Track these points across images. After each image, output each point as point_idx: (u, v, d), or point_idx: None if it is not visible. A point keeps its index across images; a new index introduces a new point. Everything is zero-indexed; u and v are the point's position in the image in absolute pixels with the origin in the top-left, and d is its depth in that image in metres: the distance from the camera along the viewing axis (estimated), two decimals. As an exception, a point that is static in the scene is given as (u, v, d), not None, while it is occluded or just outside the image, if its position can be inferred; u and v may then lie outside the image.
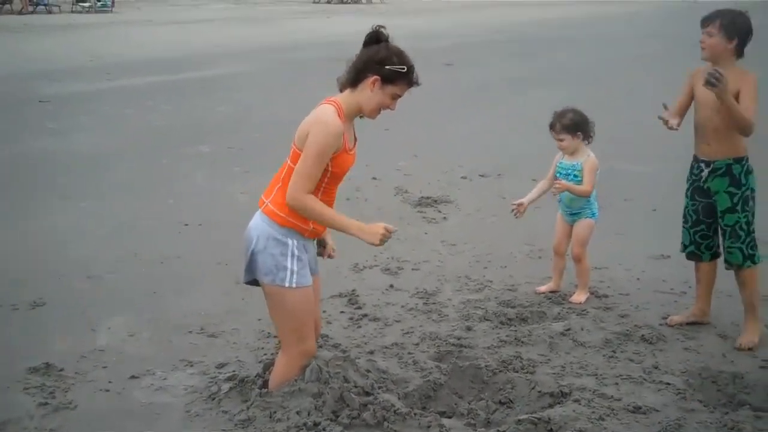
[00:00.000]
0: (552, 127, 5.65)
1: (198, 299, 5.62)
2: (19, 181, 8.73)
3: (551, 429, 3.80)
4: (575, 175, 5.55)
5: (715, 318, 5.24)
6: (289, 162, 3.95)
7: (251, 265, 3.99)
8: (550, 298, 5.64)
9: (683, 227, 5.13)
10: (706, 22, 4.71)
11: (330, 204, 4.01)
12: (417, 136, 11.04)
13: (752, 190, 4.86)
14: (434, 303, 5.61)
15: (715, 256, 5.10)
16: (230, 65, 19.21)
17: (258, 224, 3.97)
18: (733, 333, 5.07)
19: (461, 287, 5.88)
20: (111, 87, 15.52)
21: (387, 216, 6.78)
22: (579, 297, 5.61)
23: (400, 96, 3.94)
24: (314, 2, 53.04)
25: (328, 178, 3.93)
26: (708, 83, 4.46)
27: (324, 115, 3.84)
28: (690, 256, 5.16)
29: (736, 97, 4.59)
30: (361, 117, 4.06)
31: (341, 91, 4.00)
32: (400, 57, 3.87)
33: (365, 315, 5.38)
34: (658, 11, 48.13)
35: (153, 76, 17.00)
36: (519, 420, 3.87)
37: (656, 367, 4.60)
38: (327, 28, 31.04)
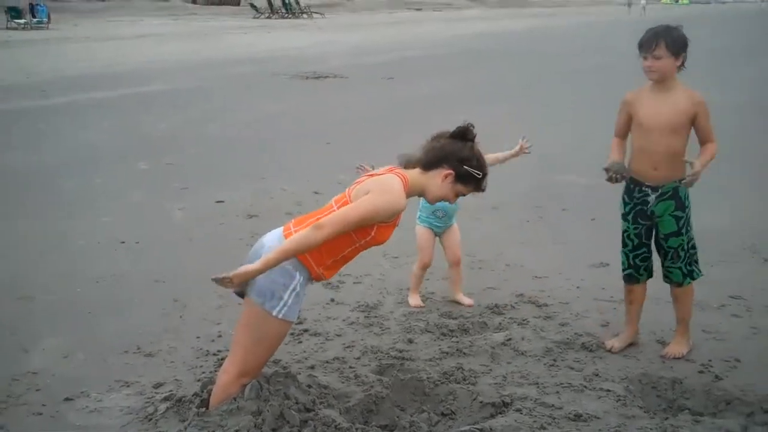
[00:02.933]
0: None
1: (134, 318, 5.50)
2: (-51, 201, 8.50)
3: (493, 439, 3.79)
4: None
5: (654, 324, 5.29)
6: (335, 207, 3.89)
7: (249, 280, 3.87)
8: (491, 309, 5.65)
9: (622, 251, 5.02)
10: (649, 46, 4.60)
11: (345, 262, 4.02)
12: (358, 150, 10.99)
13: (690, 208, 4.83)
14: (376, 316, 5.57)
15: (650, 275, 5.05)
16: (168, 81, 19.01)
17: (274, 244, 3.84)
18: (671, 338, 5.11)
19: (403, 300, 5.86)
20: (47, 104, 15.24)
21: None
22: (470, 299, 5.72)
23: (464, 195, 4.04)
24: (254, 17, 52.95)
25: (365, 241, 3.89)
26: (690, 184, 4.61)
27: (392, 186, 3.81)
28: (628, 278, 5.07)
29: (693, 120, 4.64)
30: (419, 196, 4.09)
31: (405, 166, 4.00)
32: (480, 162, 3.95)
33: (306, 330, 5.33)
34: (605, 23, 49.00)
35: (89, 92, 16.75)
36: (461, 431, 3.85)
37: (597, 375, 4.62)
38: (267, 43, 30.95)
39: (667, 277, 4.93)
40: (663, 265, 4.92)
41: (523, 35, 37.50)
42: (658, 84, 4.70)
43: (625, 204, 4.94)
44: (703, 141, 4.72)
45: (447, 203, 5.44)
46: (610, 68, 19.54)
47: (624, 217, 4.97)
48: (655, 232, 4.90)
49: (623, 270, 5.07)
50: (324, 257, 3.89)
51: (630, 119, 4.86)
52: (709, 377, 4.62)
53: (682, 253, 4.83)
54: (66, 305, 5.73)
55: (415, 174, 3.98)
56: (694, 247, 4.90)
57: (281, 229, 3.96)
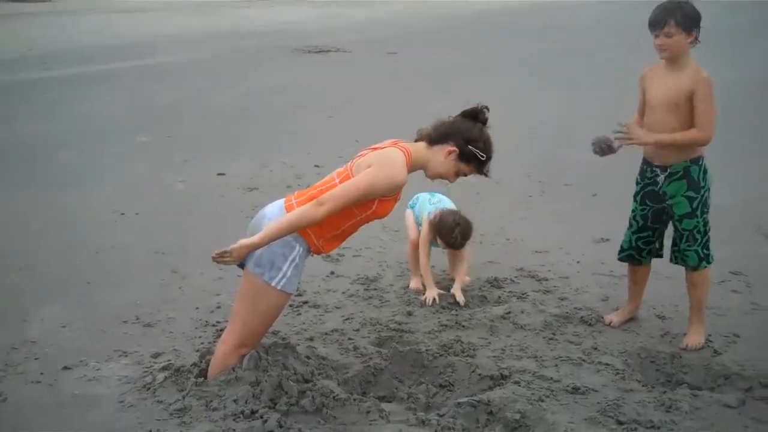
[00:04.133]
0: (454, 245, 5.38)
1: (133, 289, 5.50)
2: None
3: (491, 411, 3.79)
4: None
5: (654, 299, 5.29)
6: (336, 180, 3.88)
7: (253, 254, 3.86)
8: (490, 283, 5.64)
9: (626, 231, 4.95)
10: (659, 23, 4.46)
11: (347, 235, 4.03)
12: (360, 124, 10.97)
13: (709, 189, 4.67)
14: (375, 289, 5.57)
15: (656, 256, 4.98)
16: (171, 54, 18.91)
17: (275, 215, 3.85)
18: (671, 314, 5.13)
19: (402, 272, 5.86)
20: (50, 76, 15.16)
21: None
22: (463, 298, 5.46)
23: (465, 176, 4.00)
24: (258, -9, 52.60)
25: (366, 215, 3.88)
26: (603, 143, 4.60)
27: (394, 161, 3.79)
28: (626, 259, 5.00)
29: (690, 98, 4.45)
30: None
31: (417, 140, 3.99)
32: (486, 145, 3.93)
33: (305, 302, 5.33)
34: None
35: (92, 65, 16.66)
36: (459, 403, 3.85)
37: (595, 348, 4.62)
38: (270, 17, 30.77)
39: (682, 261, 4.76)
40: (678, 248, 4.75)
41: (529, 10, 37.26)
42: (670, 61, 4.57)
43: (636, 183, 4.86)
44: (696, 123, 4.47)
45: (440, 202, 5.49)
46: (616, 44, 19.41)
47: (634, 197, 4.88)
48: (671, 215, 4.75)
49: (621, 251, 5.00)
50: (324, 230, 3.88)
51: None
52: (708, 352, 4.62)
53: (698, 236, 4.67)
54: (65, 276, 5.73)
55: (419, 147, 3.95)
56: (709, 230, 4.73)
57: (282, 201, 3.94)
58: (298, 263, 3.89)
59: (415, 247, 5.61)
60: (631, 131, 4.53)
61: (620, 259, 5.05)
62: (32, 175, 8.42)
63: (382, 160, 3.80)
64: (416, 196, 5.85)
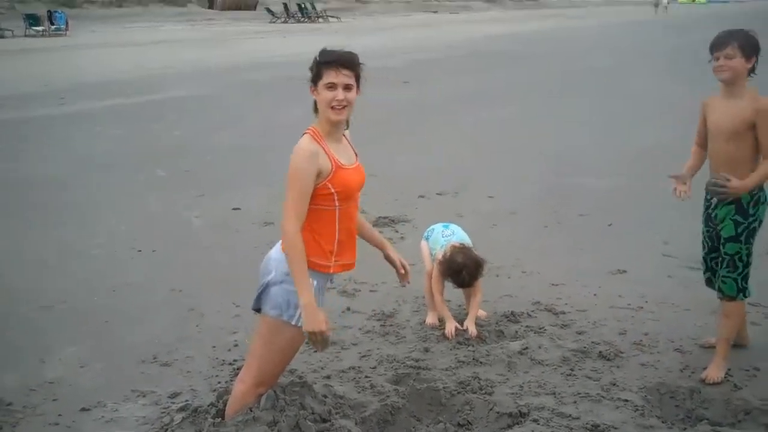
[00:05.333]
0: (462, 285, 5.39)
1: (151, 327, 5.51)
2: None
3: (510, 451, 3.76)
4: None
5: (673, 332, 5.25)
6: None
7: (263, 296, 3.85)
8: (507, 317, 5.61)
9: (701, 251, 4.95)
10: (721, 45, 4.53)
11: (350, 230, 3.92)
12: (373, 156, 10.98)
13: (760, 222, 4.65)
14: (392, 325, 5.56)
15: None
16: (185, 87, 19.07)
17: (279, 258, 3.80)
18: (690, 347, 5.08)
19: (419, 308, 5.84)
20: (64, 112, 15.32)
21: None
22: (483, 311, 5.64)
23: (333, 84, 3.75)
24: (271, 22, 53.09)
25: (338, 201, 3.79)
26: (715, 194, 4.52)
27: (298, 146, 3.75)
28: (708, 282, 4.96)
29: (751, 126, 4.48)
30: (346, 128, 3.96)
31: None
32: (321, 54, 3.79)
33: (322, 339, 5.31)
34: (624, 23, 48.74)
35: (107, 100, 16.83)
36: (477, 443, 3.82)
37: (614, 384, 4.59)
38: (283, 48, 31.00)
39: (719, 289, 4.73)
40: (718, 276, 4.73)
41: (540, 36, 37.37)
42: (728, 88, 4.61)
43: (703, 207, 4.88)
44: (764, 154, 4.51)
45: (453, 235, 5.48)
46: (629, 68, 19.42)
47: (703, 220, 4.90)
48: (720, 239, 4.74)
49: (703, 273, 4.99)
50: (322, 246, 3.80)
51: (705, 125, 4.81)
52: (728, 386, 4.56)
53: (739, 264, 4.64)
54: (83, 315, 5.75)
55: (317, 118, 3.87)
56: (750, 264, 4.70)
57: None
58: (314, 296, 3.86)
59: (431, 278, 5.62)
60: (731, 185, 4.51)
61: (705, 283, 5.01)
62: (48, 211, 8.47)
63: (293, 154, 3.73)
64: (431, 227, 5.85)
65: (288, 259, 3.70)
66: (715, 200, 4.70)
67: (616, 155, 10.73)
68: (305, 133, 3.81)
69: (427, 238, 5.81)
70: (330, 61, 3.74)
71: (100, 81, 20.07)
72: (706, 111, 4.79)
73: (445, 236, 5.63)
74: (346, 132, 3.99)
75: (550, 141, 11.77)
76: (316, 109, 3.86)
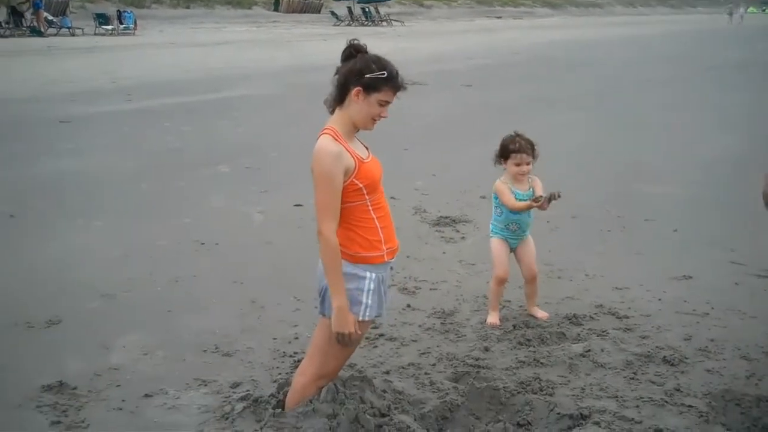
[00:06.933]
0: (521, 149, 5.36)
1: (213, 318, 5.57)
2: (36, 201, 8.72)
3: (570, 452, 3.71)
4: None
5: (739, 339, 5.14)
6: None
7: (325, 301, 3.86)
8: (569, 319, 5.55)
9: None
10: None
11: (386, 217, 3.88)
12: (435, 156, 11.01)
13: None
14: (452, 323, 5.53)
15: None
16: (250, 87, 19.28)
17: None
18: (757, 355, 4.97)
19: (479, 307, 5.80)
20: (131, 108, 15.58)
21: (405, 235, 6.68)
22: (545, 313, 5.59)
23: (388, 102, 3.80)
24: (334, 25, 53.38)
25: (367, 194, 3.79)
26: None
27: (318, 147, 3.75)
28: None
29: None
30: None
31: (332, 112, 3.88)
32: (378, 63, 3.75)
33: (382, 335, 5.31)
34: (694, 31, 47.95)
35: (173, 97, 17.08)
36: (537, 442, 3.78)
37: (678, 390, 4.50)
38: (346, 50, 31.12)
39: None
40: None
41: (608, 43, 36.97)
42: None
43: None
44: None
45: (520, 216, 5.41)
46: (704, 77, 19.10)
47: None
48: None
49: None
50: (368, 238, 3.80)
51: None
52: (797, 395, 4.45)
53: None
54: (146, 304, 5.83)
55: (337, 114, 3.82)
56: None
57: None
58: (374, 288, 3.82)
59: (500, 282, 5.55)
60: None
61: None
62: (111, 205, 8.59)
63: (314, 156, 3.74)
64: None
65: (324, 261, 3.72)
66: None
67: (682, 164, 10.56)
68: (323, 133, 3.79)
69: (492, 231, 5.66)
70: (396, 85, 3.78)
71: (167, 79, 20.38)
72: None
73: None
74: None
75: (612, 147, 11.64)
76: (339, 102, 3.83)
